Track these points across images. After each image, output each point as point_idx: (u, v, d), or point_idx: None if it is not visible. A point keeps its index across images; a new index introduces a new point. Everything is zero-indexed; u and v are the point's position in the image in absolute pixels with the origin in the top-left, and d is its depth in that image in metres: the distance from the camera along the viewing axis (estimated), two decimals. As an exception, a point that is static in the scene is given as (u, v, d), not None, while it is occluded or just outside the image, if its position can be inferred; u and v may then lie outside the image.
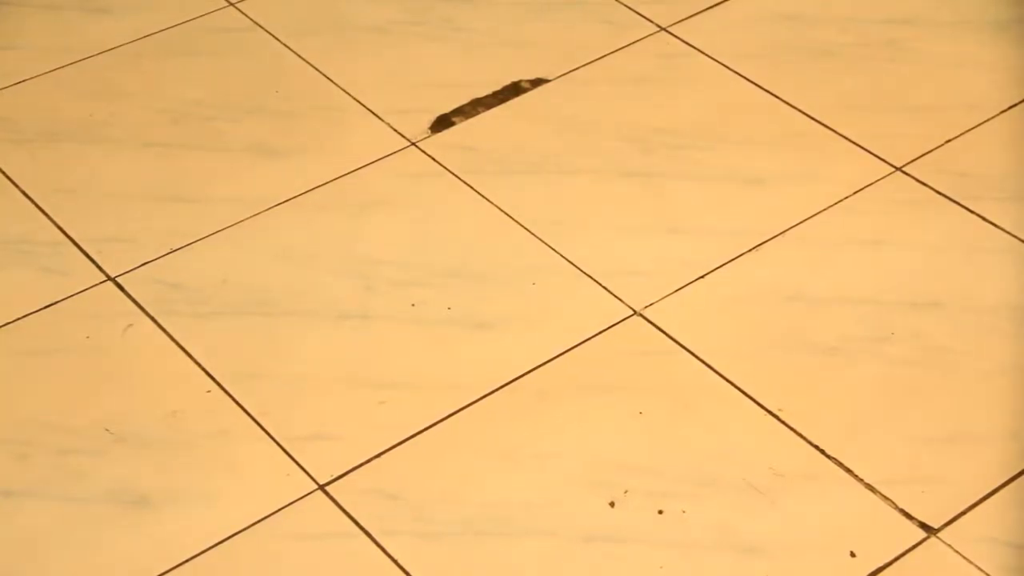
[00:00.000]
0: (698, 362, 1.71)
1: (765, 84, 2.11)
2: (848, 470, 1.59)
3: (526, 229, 1.89)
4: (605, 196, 1.94)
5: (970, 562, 1.50)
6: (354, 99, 2.09)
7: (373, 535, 1.54)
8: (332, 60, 2.16)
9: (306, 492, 1.58)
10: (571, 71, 2.14)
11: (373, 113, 2.07)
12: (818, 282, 1.81)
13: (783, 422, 1.64)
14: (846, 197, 1.93)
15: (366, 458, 1.61)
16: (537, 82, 2.12)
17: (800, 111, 2.06)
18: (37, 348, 1.74)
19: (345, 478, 1.59)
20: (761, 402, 1.66)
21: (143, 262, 1.84)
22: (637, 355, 1.72)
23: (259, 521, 1.55)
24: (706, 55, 2.17)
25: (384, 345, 1.74)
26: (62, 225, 1.89)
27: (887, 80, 2.12)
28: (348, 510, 1.56)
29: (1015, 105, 2.07)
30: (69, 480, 1.59)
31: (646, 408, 1.66)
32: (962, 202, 1.91)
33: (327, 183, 1.96)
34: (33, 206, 1.92)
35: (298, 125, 2.05)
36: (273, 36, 2.21)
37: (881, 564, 1.50)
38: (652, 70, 2.14)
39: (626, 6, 2.26)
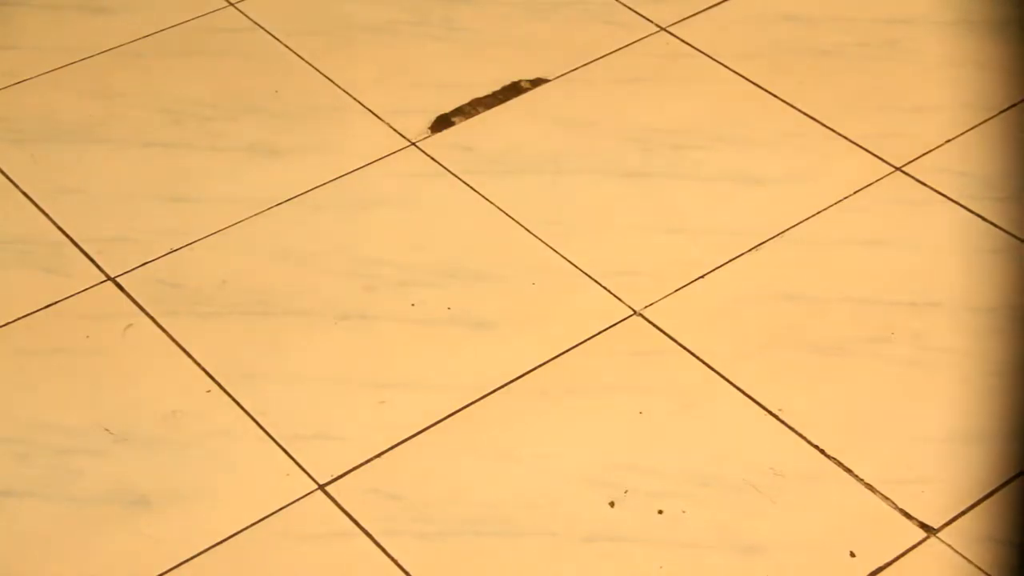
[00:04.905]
0: (698, 362, 1.71)
1: (765, 84, 2.11)
2: (848, 470, 1.59)
3: (526, 229, 1.89)
4: (605, 196, 1.94)
5: (970, 562, 1.50)
6: (354, 99, 2.09)
7: (373, 535, 1.54)
8: (332, 60, 2.16)
9: (306, 492, 1.58)
10: (571, 71, 2.14)
11: (373, 113, 2.07)
12: (818, 282, 1.81)
13: (783, 422, 1.64)
14: (846, 197, 1.93)
15: (366, 458, 1.61)
16: (537, 82, 2.12)
17: (800, 111, 2.06)
18: (37, 348, 1.74)
19: (345, 478, 1.59)
20: (761, 402, 1.66)
21: (143, 262, 1.84)
22: (637, 355, 1.72)
23: (259, 521, 1.55)
24: (706, 55, 2.17)
25: (384, 345, 1.74)
26: (62, 225, 1.89)
27: (887, 80, 2.12)
28: (348, 510, 1.56)
29: (1015, 105, 2.07)
30: (69, 480, 1.59)
31: (646, 408, 1.66)
32: (962, 202, 1.91)
33: (327, 183, 1.96)
34: (33, 206, 1.92)
35: (298, 125, 2.05)
36: (273, 36, 2.21)
37: (881, 564, 1.50)
38: (652, 70, 2.14)
39: (626, 6, 2.26)
